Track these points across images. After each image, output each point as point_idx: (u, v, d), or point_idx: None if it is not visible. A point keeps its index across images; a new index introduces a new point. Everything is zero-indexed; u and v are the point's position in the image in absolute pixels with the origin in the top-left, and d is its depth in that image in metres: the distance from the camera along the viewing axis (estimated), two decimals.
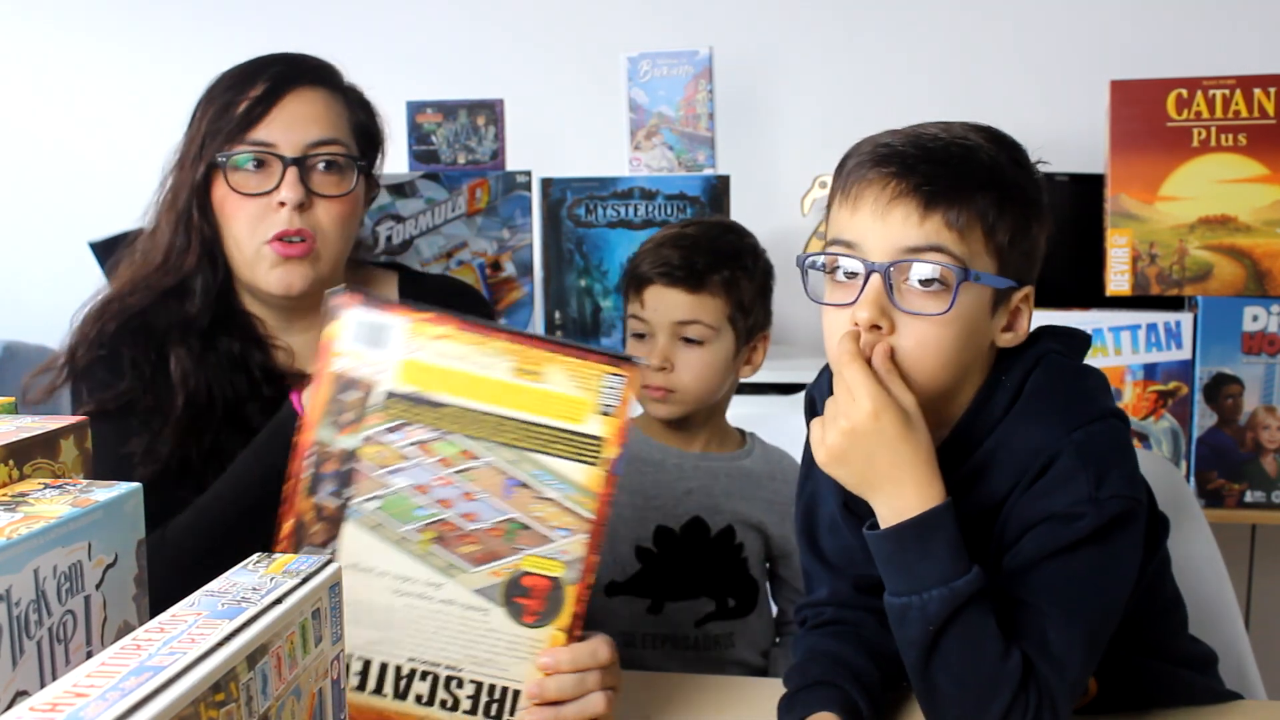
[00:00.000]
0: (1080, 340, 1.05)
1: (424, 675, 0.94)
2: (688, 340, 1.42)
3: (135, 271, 1.28)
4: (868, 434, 0.92)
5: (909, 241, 0.93)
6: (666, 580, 1.45)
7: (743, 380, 1.52)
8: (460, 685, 0.95)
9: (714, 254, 1.43)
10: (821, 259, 0.98)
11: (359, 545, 0.93)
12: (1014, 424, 0.97)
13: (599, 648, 0.98)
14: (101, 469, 0.85)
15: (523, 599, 0.95)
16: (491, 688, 0.95)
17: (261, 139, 1.23)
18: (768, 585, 1.52)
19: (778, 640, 1.52)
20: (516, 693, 0.96)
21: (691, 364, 1.42)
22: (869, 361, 0.93)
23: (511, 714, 0.96)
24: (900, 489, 0.92)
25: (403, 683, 0.94)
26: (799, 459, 1.19)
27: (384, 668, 0.94)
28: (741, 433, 1.54)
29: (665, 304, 1.42)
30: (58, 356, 1.26)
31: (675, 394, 1.43)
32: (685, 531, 1.45)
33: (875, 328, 0.93)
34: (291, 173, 1.23)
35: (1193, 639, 1.13)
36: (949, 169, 0.93)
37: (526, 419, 0.93)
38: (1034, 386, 0.98)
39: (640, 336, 1.45)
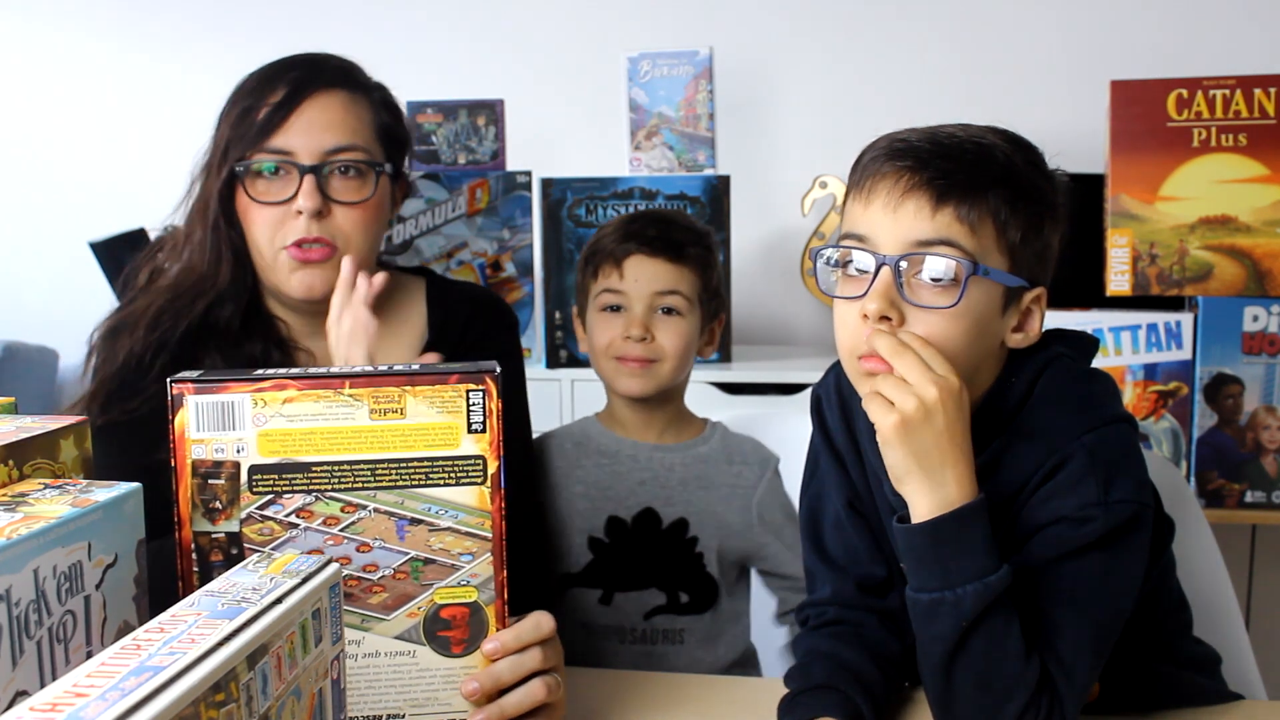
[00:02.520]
0: (1088, 343, 1.05)
1: None
2: (665, 312, 1.44)
3: (175, 289, 1.27)
4: (941, 410, 0.90)
5: (919, 235, 0.93)
6: (617, 571, 1.45)
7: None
8: None
9: (688, 230, 1.47)
10: (834, 253, 0.98)
11: None
12: (1022, 426, 0.97)
13: (541, 620, 0.97)
14: (126, 476, 0.83)
15: (446, 631, 0.94)
16: None
17: (279, 146, 1.23)
18: (751, 580, 1.51)
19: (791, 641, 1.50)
20: None
21: (670, 334, 1.43)
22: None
23: None
24: (942, 479, 0.91)
25: None
26: (801, 456, 1.18)
27: None
28: (705, 421, 1.54)
29: (646, 274, 1.43)
30: (98, 388, 1.24)
31: (656, 364, 1.43)
32: (636, 522, 1.45)
33: (885, 319, 0.93)
34: (309, 180, 1.22)
35: (1197, 640, 1.13)
36: (962, 164, 0.94)
37: (399, 458, 0.91)
38: (1043, 390, 0.98)
39: (616, 309, 1.45)
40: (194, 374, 0.90)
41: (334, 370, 0.92)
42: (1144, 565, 0.96)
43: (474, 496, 0.92)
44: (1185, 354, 1.94)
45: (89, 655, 0.74)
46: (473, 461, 0.92)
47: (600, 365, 1.47)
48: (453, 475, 0.92)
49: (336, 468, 0.91)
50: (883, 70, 2.57)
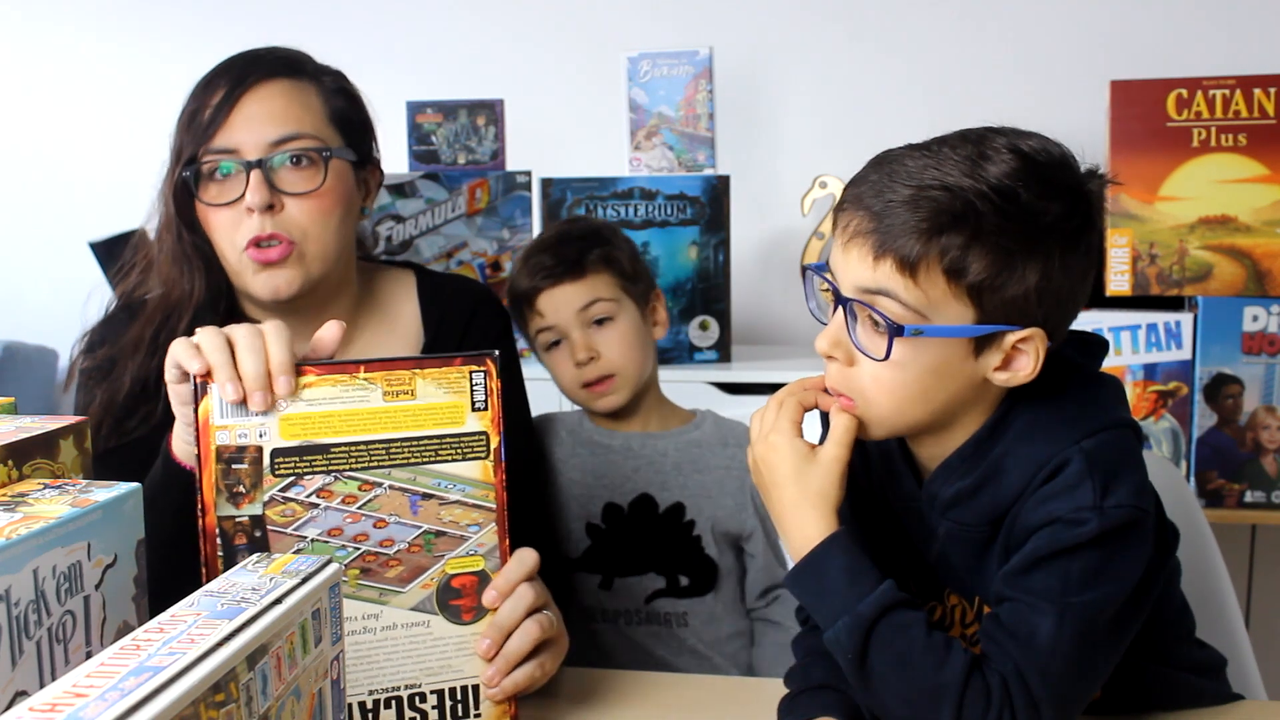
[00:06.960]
0: (1097, 346, 1.02)
1: (388, 703, 0.97)
2: (599, 323, 1.47)
3: (162, 309, 1.25)
4: (764, 462, 0.98)
5: (862, 282, 0.91)
6: (615, 556, 1.48)
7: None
8: (424, 699, 0.98)
9: (578, 239, 1.50)
10: (815, 277, 0.99)
11: None
12: (1025, 430, 0.96)
13: (524, 555, 1.01)
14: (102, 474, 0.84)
15: (457, 600, 0.99)
16: (453, 690, 0.99)
17: (223, 145, 1.19)
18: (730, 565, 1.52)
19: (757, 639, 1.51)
20: (475, 687, 0.99)
21: (613, 341, 1.47)
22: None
23: (477, 708, 0.99)
24: (794, 525, 0.96)
25: (369, 717, 0.97)
26: None
27: (349, 709, 0.96)
28: (693, 411, 1.57)
29: (561, 301, 1.47)
30: (104, 414, 1.22)
31: (615, 379, 1.48)
32: (633, 508, 1.48)
33: (832, 359, 0.95)
34: (255, 176, 1.18)
35: (1200, 645, 1.12)
36: (908, 210, 0.88)
37: (411, 436, 0.97)
38: (1047, 392, 0.97)
39: (556, 344, 1.49)
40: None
41: (350, 359, 0.97)
42: (1139, 569, 0.95)
43: (479, 470, 0.99)
44: (1185, 354, 1.94)
45: (88, 655, 0.74)
46: (477, 437, 0.98)
47: (574, 398, 1.52)
48: (459, 451, 0.98)
49: (354, 448, 0.96)
50: (883, 70, 2.57)
